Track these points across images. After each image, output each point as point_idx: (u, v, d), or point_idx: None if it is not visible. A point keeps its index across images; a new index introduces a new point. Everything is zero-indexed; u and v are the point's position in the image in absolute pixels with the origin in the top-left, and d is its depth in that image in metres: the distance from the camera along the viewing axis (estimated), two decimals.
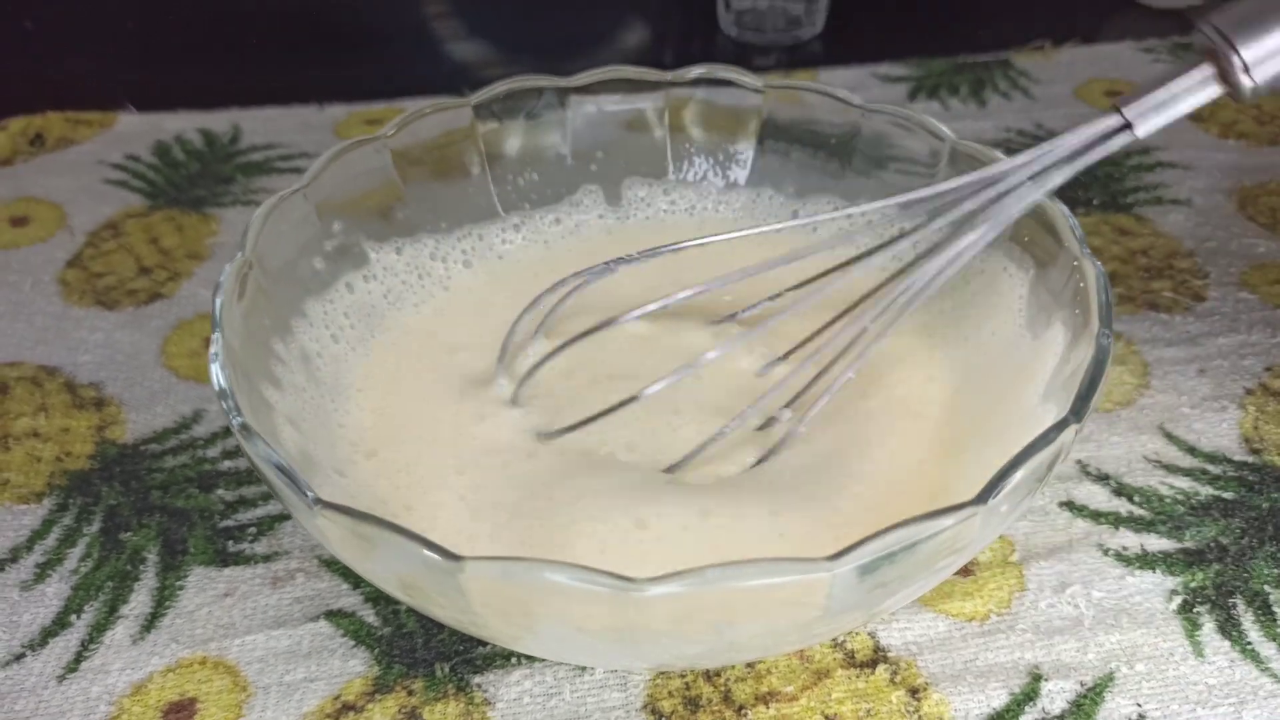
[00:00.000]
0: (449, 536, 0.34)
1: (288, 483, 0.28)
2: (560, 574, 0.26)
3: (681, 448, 0.36)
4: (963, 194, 0.36)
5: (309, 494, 0.28)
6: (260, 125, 0.63)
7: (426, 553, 0.26)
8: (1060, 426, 0.29)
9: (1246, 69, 0.32)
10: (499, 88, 0.44)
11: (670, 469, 0.36)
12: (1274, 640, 0.35)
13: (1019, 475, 0.27)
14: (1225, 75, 0.32)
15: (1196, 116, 0.61)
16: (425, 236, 0.44)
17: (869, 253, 0.38)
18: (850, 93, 0.44)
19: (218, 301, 0.34)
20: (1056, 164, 0.34)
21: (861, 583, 0.27)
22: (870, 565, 0.26)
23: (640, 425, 0.37)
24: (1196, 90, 0.33)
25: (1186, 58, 0.34)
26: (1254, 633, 0.36)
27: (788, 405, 0.37)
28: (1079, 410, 0.30)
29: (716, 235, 0.38)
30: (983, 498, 0.27)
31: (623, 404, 0.35)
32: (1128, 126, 0.34)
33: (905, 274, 0.36)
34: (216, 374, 0.31)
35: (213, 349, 0.32)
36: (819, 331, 0.39)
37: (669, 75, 0.45)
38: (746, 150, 0.46)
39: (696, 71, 0.45)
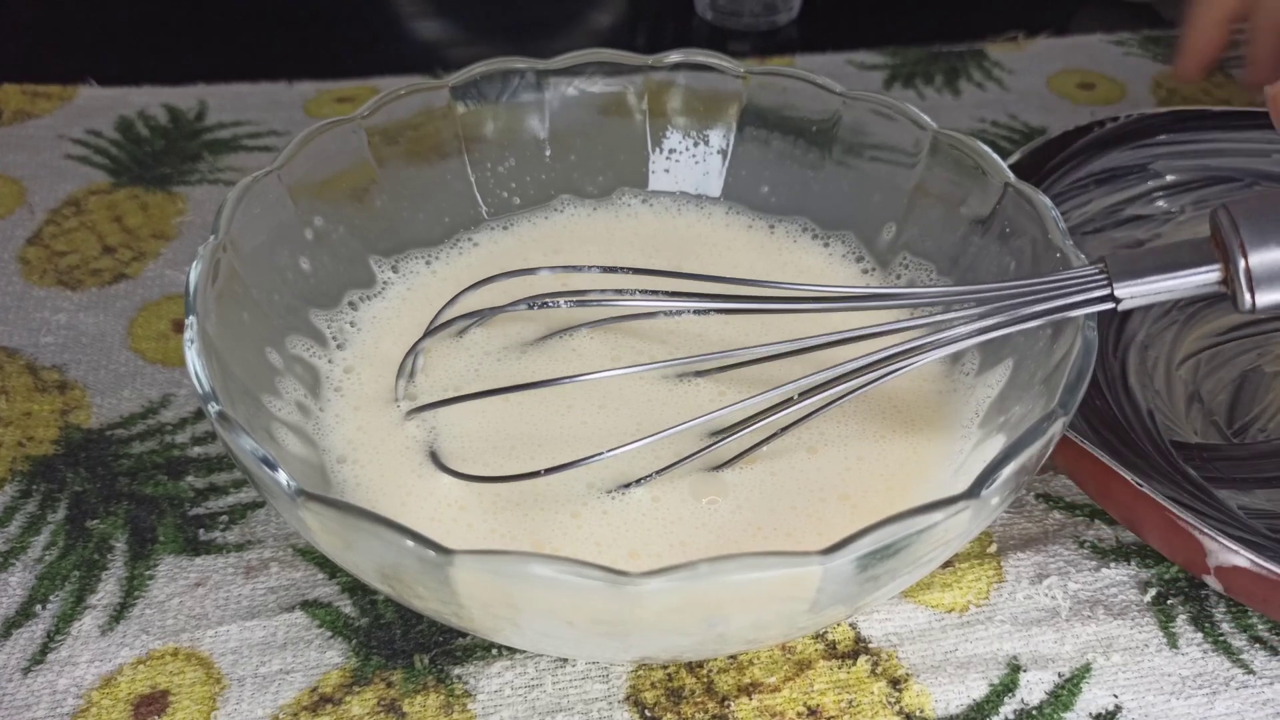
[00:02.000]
0: (433, 529, 0.34)
1: (268, 474, 0.28)
2: (548, 567, 0.25)
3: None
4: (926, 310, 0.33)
5: (290, 485, 0.27)
6: (227, 101, 0.61)
7: (412, 544, 0.26)
8: (1050, 419, 0.29)
9: (1251, 287, 0.30)
10: (476, 69, 0.43)
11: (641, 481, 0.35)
12: (1245, 631, 0.36)
13: (1009, 469, 0.28)
14: (1228, 280, 0.30)
15: None
16: (416, 251, 0.43)
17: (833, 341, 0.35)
18: (831, 80, 0.43)
19: (192, 285, 0.33)
20: (1035, 314, 0.32)
21: (853, 577, 0.27)
22: (862, 560, 0.26)
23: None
24: (1194, 289, 0.31)
25: (1196, 246, 0.31)
26: (1226, 624, 0.36)
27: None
28: (1067, 403, 0.30)
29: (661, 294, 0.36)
30: (974, 491, 0.27)
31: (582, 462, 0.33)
32: (1113, 299, 0.32)
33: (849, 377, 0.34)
34: (193, 361, 0.30)
35: (188, 334, 0.31)
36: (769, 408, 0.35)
37: (649, 59, 0.44)
38: (727, 137, 0.46)
39: (676, 56, 0.45)
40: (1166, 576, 0.38)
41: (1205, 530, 0.33)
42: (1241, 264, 0.30)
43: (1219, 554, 0.33)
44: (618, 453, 0.33)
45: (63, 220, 0.52)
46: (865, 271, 0.43)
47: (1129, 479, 0.34)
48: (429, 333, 0.38)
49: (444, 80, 0.43)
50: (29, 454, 0.41)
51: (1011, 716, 0.34)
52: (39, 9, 0.72)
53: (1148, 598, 0.37)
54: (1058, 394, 0.30)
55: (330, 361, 0.39)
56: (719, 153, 0.46)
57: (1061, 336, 0.34)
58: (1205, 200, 0.49)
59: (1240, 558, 0.32)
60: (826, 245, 0.44)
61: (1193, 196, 0.50)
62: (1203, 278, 0.31)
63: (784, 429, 0.36)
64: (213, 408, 0.29)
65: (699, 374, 0.38)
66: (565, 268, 0.39)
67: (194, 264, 0.33)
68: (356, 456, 0.36)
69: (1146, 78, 0.65)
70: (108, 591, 0.37)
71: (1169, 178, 0.50)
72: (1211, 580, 0.34)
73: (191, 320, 0.32)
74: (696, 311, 0.38)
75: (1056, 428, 0.29)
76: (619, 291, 0.36)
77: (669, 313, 0.39)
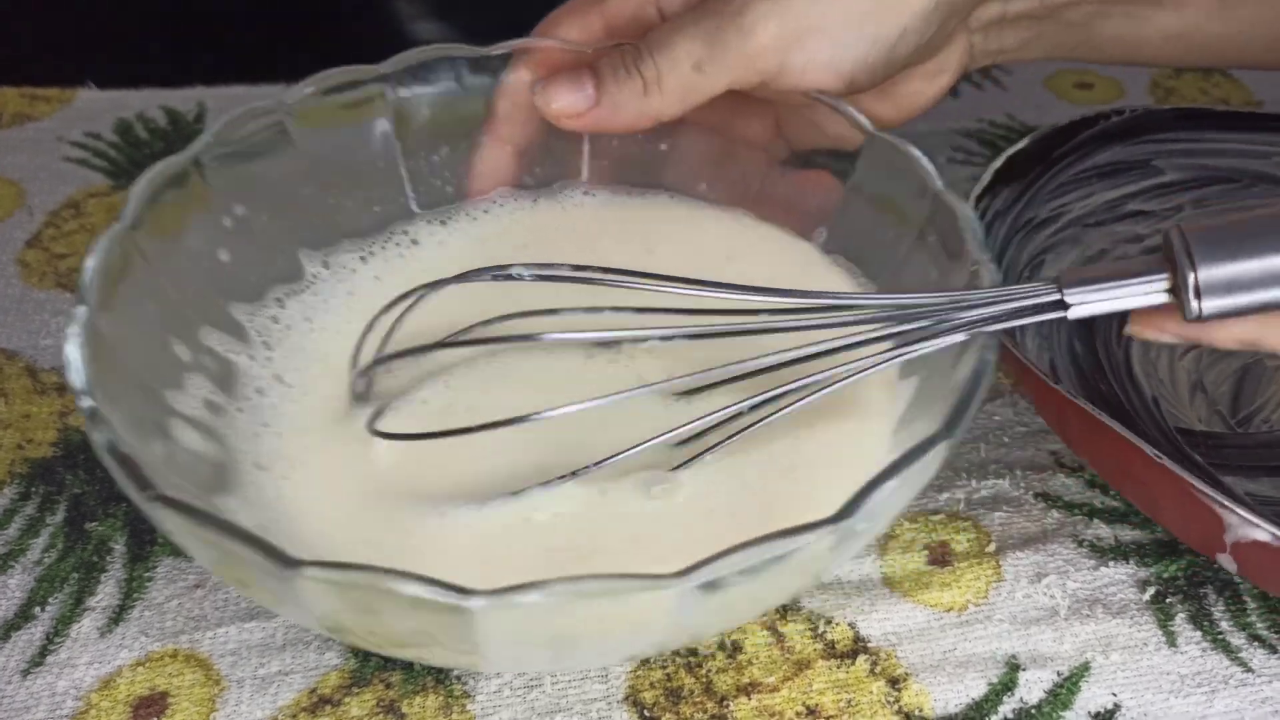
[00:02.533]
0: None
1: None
2: (398, 583, 0.24)
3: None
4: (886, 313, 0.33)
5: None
6: (226, 104, 0.61)
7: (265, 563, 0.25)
8: (930, 443, 0.28)
9: (1199, 295, 0.30)
10: (411, 55, 0.42)
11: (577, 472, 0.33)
12: (1244, 630, 0.36)
13: (880, 495, 0.27)
14: (1176, 290, 0.31)
15: None
16: (348, 244, 0.42)
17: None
18: None
19: (88, 273, 0.31)
20: (985, 320, 0.32)
21: (701, 601, 0.26)
22: (716, 582, 0.25)
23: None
24: (1142, 296, 0.31)
25: (1148, 261, 0.32)
26: (1225, 622, 0.36)
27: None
28: (952, 425, 0.28)
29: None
30: (841, 516, 0.26)
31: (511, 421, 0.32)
32: (1063, 305, 0.32)
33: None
34: (72, 353, 0.29)
35: (72, 327, 0.30)
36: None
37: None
38: (668, 129, 0.43)
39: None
40: (1165, 575, 0.38)
41: (1226, 504, 0.32)
42: (1190, 277, 0.30)
43: (1239, 528, 0.32)
44: (553, 414, 0.31)
45: (62, 223, 0.53)
46: None
47: (1149, 452, 0.33)
48: (379, 360, 0.36)
49: (377, 66, 0.42)
50: (28, 456, 0.42)
51: (1010, 715, 0.34)
52: (37, 11, 0.72)
53: (1146, 596, 0.37)
54: (944, 415, 0.29)
55: (252, 359, 0.37)
56: (660, 144, 0.45)
57: (966, 354, 0.32)
58: (1206, 199, 0.49)
59: (1262, 532, 0.32)
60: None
61: (1193, 195, 0.50)
62: (1151, 286, 0.31)
63: (734, 435, 0.34)
64: (86, 403, 0.28)
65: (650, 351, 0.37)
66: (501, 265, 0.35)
67: (93, 251, 0.32)
68: (287, 471, 0.34)
69: (1144, 78, 0.65)
70: (107, 593, 0.37)
71: (1170, 175, 0.50)
72: (1225, 559, 0.34)
73: (80, 311, 0.30)
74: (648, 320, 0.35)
75: (938, 451, 0.28)
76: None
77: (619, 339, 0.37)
